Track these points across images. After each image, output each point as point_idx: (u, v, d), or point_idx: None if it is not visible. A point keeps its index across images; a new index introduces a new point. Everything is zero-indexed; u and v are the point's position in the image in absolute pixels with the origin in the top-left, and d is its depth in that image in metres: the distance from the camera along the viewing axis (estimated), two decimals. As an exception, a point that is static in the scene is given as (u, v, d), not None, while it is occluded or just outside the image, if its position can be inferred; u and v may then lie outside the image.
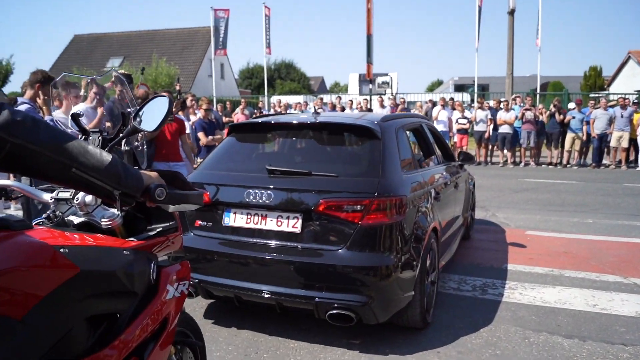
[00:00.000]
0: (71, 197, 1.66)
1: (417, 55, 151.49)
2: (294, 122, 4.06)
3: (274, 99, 20.96)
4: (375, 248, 3.23)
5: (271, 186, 3.43)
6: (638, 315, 3.91)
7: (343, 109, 16.30)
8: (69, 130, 1.80)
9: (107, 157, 1.37)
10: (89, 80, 4.84)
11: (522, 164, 14.50)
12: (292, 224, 3.35)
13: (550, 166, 14.29)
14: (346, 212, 3.24)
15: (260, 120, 4.21)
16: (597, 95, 20.55)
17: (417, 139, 4.82)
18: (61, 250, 1.32)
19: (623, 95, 15.43)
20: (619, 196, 9.33)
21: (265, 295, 3.31)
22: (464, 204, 5.57)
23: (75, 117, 1.81)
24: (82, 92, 5.00)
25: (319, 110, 4.23)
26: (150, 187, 1.50)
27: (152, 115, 1.80)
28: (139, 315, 1.59)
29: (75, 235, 1.48)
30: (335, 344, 3.44)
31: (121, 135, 1.80)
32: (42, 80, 5.09)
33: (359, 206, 3.23)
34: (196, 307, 4.07)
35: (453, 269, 5.05)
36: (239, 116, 16.47)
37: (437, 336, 3.56)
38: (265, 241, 3.42)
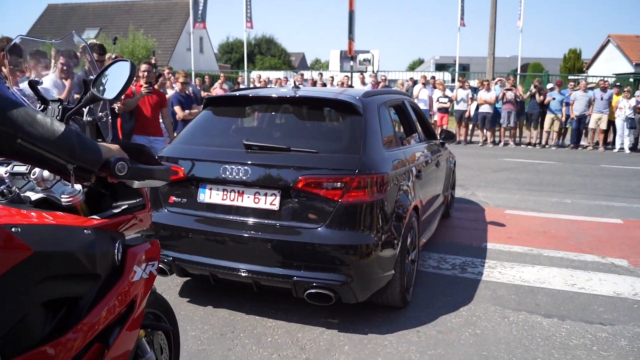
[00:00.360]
0: (27, 171, 1.54)
1: (399, 34, 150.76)
2: (273, 96, 3.91)
3: (254, 74, 20.60)
4: (356, 226, 3.15)
5: (248, 162, 3.31)
6: (615, 295, 3.92)
7: (324, 85, 16.09)
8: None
9: (59, 127, 1.24)
10: (55, 50, 4.65)
11: (502, 143, 14.54)
12: (270, 201, 3.25)
13: (529, 146, 14.38)
14: (326, 190, 3.15)
15: (237, 93, 4.03)
16: (576, 77, 20.69)
17: (399, 116, 4.72)
18: (13, 229, 1.21)
19: (603, 78, 15.53)
20: (596, 177, 9.42)
21: (242, 274, 3.22)
22: (444, 183, 5.54)
23: (33, 85, 1.66)
24: (52, 62, 4.78)
25: (299, 85, 4.15)
26: (110, 160, 1.37)
27: (114, 82, 1.64)
28: (103, 298, 1.48)
29: (32, 214, 1.37)
30: (313, 323, 3.37)
31: (79, 104, 1.64)
32: (8, 50, 4.83)
33: (339, 183, 3.14)
34: (171, 285, 3.96)
35: (433, 248, 5.01)
36: (217, 90, 16.14)
37: (417, 315, 3.51)
38: (242, 218, 3.30)
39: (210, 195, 3.39)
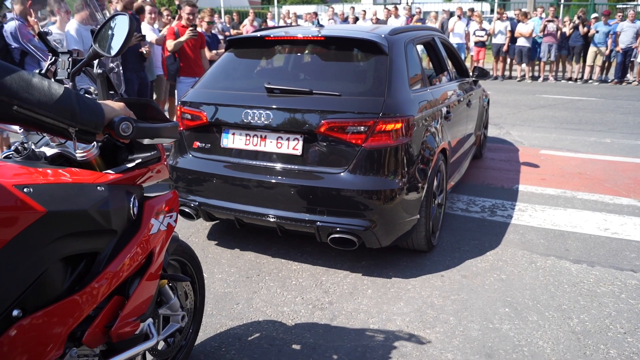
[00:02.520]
0: None
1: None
2: (296, 36, 3.71)
3: (284, 9, 20.04)
4: (379, 171, 3.08)
5: (270, 106, 3.24)
6: (650, 240, 3.82)
7: (356, 20, 15.56)
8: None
9: (57, 90, 1.20)
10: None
11: (541, 79, 13.92)
12: (293, 146, 3.21)
13: (570, 82, 13.72)
14: (349, 134, 3.08)
15: (259, 34, 3.86)
16: (625, 5, 19.35)
17: (429, 54, 4.55)
18: (25, 190, 1.22)
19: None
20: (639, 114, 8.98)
21: (267, 219, 3.24)
22: (476, 122, 5.38)
23: (43, 36, 1.63)
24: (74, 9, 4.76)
25: (323, 23, 3.87)
26: (114, 121, 1.34)
27: (116, 37, 1.60)
28: (121, 252, 1.52)
29: (48, 171, 1.37)
30: (337, 266, 3.41)
31: (82, 61, 1.61)
32: None
33: (362, 127, 3.06)
34: (200, 228, 4.04)
35: (462, 190, 4.93)
36: (247, 28, 15.84)
37: (442, 260, 3.51)
38: (265, 163, 3.28)
39: (233, 141, 3.38)
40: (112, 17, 1.64)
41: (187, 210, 3.47)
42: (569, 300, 2.99)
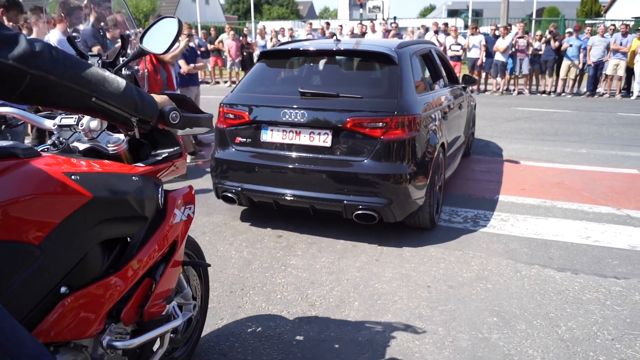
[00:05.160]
0: (75, 122, 1.62)
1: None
2: (320, 49, 4.41)
3: (260, 25, 20.10)
4: (395, 159, 3.73)
5: (304, 107, 3.86)
6: (631, 248, 3.85)
7: (333, 35, 15.68)
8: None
9: (122, 83, 1.34)
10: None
11: (516, 92, 14.18)
12: (323, 139, 3.83)
13: (544, 95, 14.00)
14: (370, 129, 3.72)
15: (289, 47, 4.56)
16: (594, 21, 19.94)
17: (427, 64, 5.08)
18: (72, 177, 1.34)
19: (623, 22, 14.91)
20: (612, 126, 9.18)
21: (301, 200, 3.85)
22: (465, 124, 5.98)
23: (72, 40, 1.75)
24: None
25: (339, 39, 4.64)
26: (164, 110, 1.50)
27: (161, 37, 1.72)
28: (150, 238, 1.65)
29: (82, 162, 1.48)
30: (323, 279, 3.36)
31: (126, 58, 1.75)
32: (5, 5, 4.66)
33: (380, 123, 3.71)
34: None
35: (444, 201, 4.94)
36: (228, 42, 15.85)
37: (427, 270, 3.48)
38: (299, 154, 3.88)
39: (271, 136, 3.97)
40: (160, 19, 1.76)
41: (229, 195, 4.10)
42: (555, 309, 2.99)
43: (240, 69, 16.65)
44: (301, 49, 4.44)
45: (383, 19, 19.21)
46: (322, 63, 4.50)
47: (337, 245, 3.91)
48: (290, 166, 3.86)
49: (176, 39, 1.71)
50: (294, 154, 3.89)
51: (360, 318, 2.89)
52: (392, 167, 3.71)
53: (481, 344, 2.64)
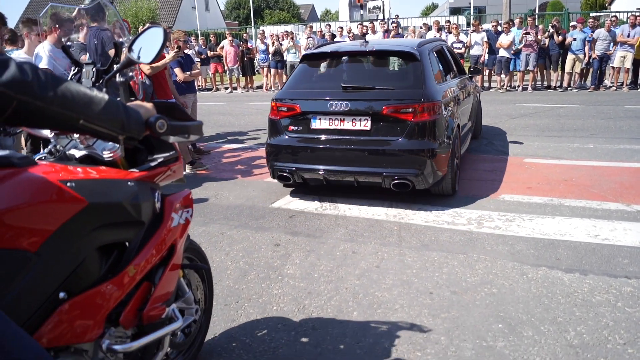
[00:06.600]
0: None
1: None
2: (354, 50, 5.34)
3: (260, 30, 20.05)
4: (423, 137, 4.50)
5: (346, 98, 4.64)
6: (642, 245, 3.70)
7: (333, 37, 15.59)
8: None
9: (109, 102, 1.34)
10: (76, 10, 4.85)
11: (520, 88, 13.98)
12: (364, 124, 4.62)
13: (549, 90, 13.80)
14: (402, 114, 4.50)
15: (329, 49, 5.43)
16: (598, 14, 19.69)
17: (439, 58, 5.70)
18: (68, 184, 1.36)
19: (634, 13, 14.65)
20: (620, 119, 8.97)
21: (346, 174, 4.66)
22: (472, 110, 6.69)
23: (67, 49, 1.81)
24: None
25: (367, 40, 5.51)
26: (150, 120, 1.49)
27: (148, 47, 1.77)
28: (147, 243, 1.67)
29: (78, 169, 1.49)
30: (321, 289, 3.25)
31: (116, 67, 1.78)
32: None
33: (410, 109, 4.49)
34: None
35: (447, 202, 4.81)
36: (227, 48, 15.81)
37: (430, 276, 3.35)
38: (344, 137, 4.66)
39: (320, 123, 4.75)
40: (147, 29, 1.79)
41: (284, 174, 4.86)
42: (564, 312, 2.85)
43: (241, 74, 16.59)
44: (338, 50, 5.31)
45: (383, 19, 19.09)
46: (357, 61, 5.39)
47: (336, 252, 3.79)
48: (337, 147, 4.65)
49: (162, 49, 1.75)
50: (339, 137, 4.66)
51: (359, 329, 2.77)
52: (422, 143, 4.48)
53: (486, 352, 2.52)
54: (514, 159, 6.43)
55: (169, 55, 5.90)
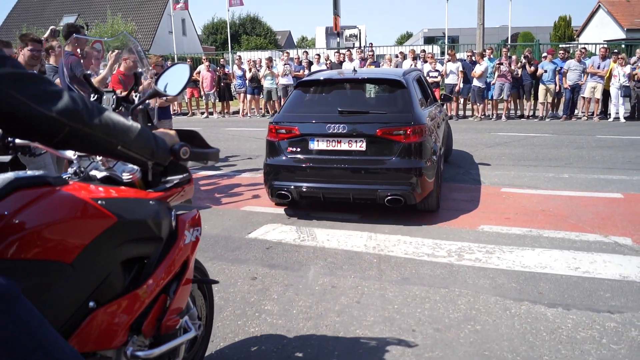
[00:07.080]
0: None
1: (386, 7, 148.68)
2: (346, 77, 5.88)
3: (237, 55, 20.08)
4: (414, 156, 4.92)
5: (342, 121, 5.01)
6: (622, 278, 3.68)
7: (310, 64, 15.67)
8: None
9: (142, 131, 1.41)
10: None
11: (494, 117, 14.21)
12: (359, 145, 5.00)
13: (522, 119, 14.05)
14: (395, 135, 4.92)
15: (321, 77, 5.78)
16: (567, 45, 20.30)
17: (420, 86, 6.11)
18: (99, 202, 1.48)
19: (604, 45, 15.12)
20: (593, 149, 9.14)
21: (343, 191, 5.03)
22: (444, 134, 7.01)
23: (87, 78, 1.93)
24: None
25: (357, 69, 6.20)
26: (174, 147, 1.56)
27: (174, 81, 1.93)
28: (165, 257, 1.76)
29: (100, 189, 1.60)
30: (300, 326, 3.11)
31: (139, 96, 1.95)
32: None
33: (402, 131, 4.91)
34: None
35: (426, 233, 4.75)
36: (203, 72, 15.75)
37: (412, 312, 3.26)
38: (341, 157, 5.01)
39: (318, 144, 5.10)
40: (174, 65, 1.95)
41: (283, 192, 5.17)
42: (549, 350, 2.78)
43: (218, 100, 16.50)
44: (331, 77, 5.79)
45: (360, 47, 19.31)
46: (348, 88, 5.84)
47: (315, 287, 3.67)
48: (334, 166, 5.01)
49: (187, 83, 1.97)
50: (336, 157, 5.02)
51: (340, 371, 2.64)
52: (412, 162, 4.90)
53: (472, 396, 2.42)
54: (491, 189, 6.45)
55: (145, 82, 5.78)
